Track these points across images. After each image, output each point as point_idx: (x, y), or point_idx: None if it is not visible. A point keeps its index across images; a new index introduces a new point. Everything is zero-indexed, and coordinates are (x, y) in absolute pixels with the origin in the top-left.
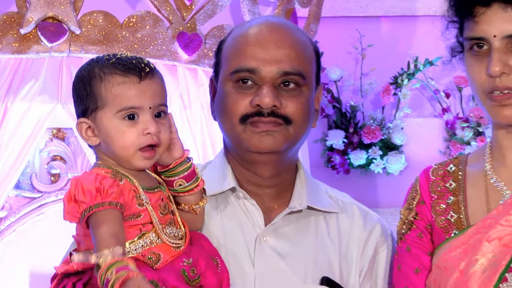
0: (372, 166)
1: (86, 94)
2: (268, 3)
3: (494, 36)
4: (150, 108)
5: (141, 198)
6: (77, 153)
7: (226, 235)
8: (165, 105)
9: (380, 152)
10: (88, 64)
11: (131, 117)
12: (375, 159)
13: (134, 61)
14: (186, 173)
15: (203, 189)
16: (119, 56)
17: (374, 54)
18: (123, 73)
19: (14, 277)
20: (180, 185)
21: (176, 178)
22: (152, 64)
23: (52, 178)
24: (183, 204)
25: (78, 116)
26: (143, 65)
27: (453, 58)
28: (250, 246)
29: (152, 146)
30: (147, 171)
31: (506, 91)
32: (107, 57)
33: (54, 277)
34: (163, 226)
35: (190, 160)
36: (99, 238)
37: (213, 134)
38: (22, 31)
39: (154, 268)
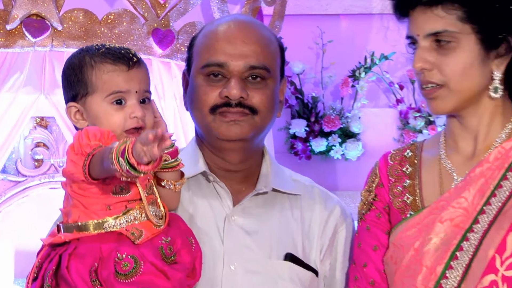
0: (331, 153)
1: (76, 81)
2: (236, 2)
3: (418, 35)
4: (136, 92)
5: None
6: (59, 140)
7: (198, 214)
8: (149, 92)
9: (339, 140)
10: (79, 53)
11: (119, 102)
12: (335, 146)
13: (122, 51)
14: (170, 150)
15: (181, 171)
16: (108, 46)
17: (333, 49)
18: (113, 62)
19: (0, 254)
20: (165, 160)
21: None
22: (138, 54)
23: (36, 163)
24: (166, 180)
25: (67, 101)
26: (131, 55)
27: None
28: (219, 225)
29: (137, 129)
30: None
31: (430, 86)
32: (96, 47)
33: (40, 251)
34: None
35: (173, 141)
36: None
37: (185, 123)
38: (8, 27)
39: (135, 243)
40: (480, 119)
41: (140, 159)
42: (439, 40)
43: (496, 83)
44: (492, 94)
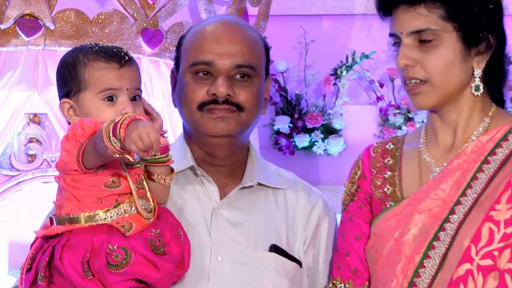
0: (314, 148)
1: (70, 77)
2: (222, 3)
3: (401, 33)
4: (127, 90)
5: (123, 168)
6: (52, 136)
7: (186, 208)
8: (140, 90)
9: (322, 136)
10: (73, 51)
11: (110, 98)
12: (317, 141)
13: (115, 50)
14: (161, 145)
15: (171, 167)
16: (101, 45)
17: (316, 49)
18: (105, 59)
19: None
20: (155, 155)
21: None
22: (130, 53)
23: (29, 158)
24: (156, 174)
25: (61, 97)
26: (122, 53)
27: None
28: (207, 218)
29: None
30: None
31: (413, 81)
32: (90, 45)
33: (34, 243)
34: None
35: (165, 138)
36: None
37: (173, 120)
38: (2, 27)
39: (125, 235)
40: (459, 113)
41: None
42: (422, 37)
43: (477, 81)
44: (474, 92)
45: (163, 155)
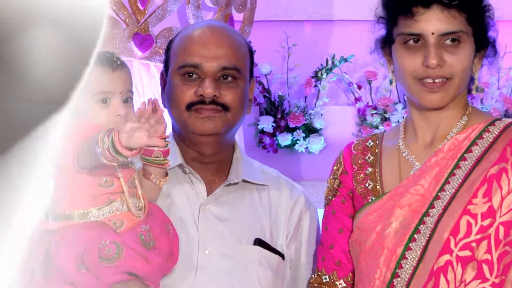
0: (296, 146)
1: None
2: (209, 9)
3: (432, 33)
4: (120, 93)
5: (115, 168)
6: None
7: (175, 204)
8: (132, 92)
9: (303, 135)
10: None
11: (104, 101)
12: (299, 140)
13: (107, 55)
14: (163, 149)
15: (166, 171)
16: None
17: (298, 52)
18: (98, 64)
19: None
20: (157, 156)
21: (155, 149)
22: (122, 57)
23: None
24: (153, 175)
25: None
26: (115, 58)
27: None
28: (194, 213)
29: None
30: None
31: (438, 80)
32: None
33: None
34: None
35: (167, 142)
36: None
37: None
38: None
39: (117, 232)
40: (445, 112)
41: (127, 140)
42: (452, 38)
43: (477, 82)
44: (474, 93)
45: (163, 158)
